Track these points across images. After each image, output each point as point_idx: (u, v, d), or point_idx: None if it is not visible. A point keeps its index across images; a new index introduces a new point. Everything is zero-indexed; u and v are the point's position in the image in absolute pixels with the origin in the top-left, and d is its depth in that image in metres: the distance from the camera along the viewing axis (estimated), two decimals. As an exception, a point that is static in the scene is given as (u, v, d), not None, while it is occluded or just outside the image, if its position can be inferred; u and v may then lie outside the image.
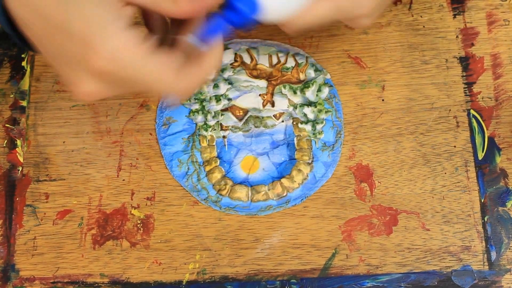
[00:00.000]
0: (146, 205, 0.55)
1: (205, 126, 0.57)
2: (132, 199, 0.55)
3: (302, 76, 0.58)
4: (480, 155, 0.56)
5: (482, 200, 0.54)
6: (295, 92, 0.58)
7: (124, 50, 0.40)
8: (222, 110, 0.57)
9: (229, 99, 0.58)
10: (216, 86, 0.58)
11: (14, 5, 0.41)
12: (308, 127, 0.57)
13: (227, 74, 0.58)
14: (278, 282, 0.53)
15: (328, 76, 0.58)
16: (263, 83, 0.58)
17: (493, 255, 0.53)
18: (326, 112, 0.57)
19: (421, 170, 0.55)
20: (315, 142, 0.56)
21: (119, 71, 0.40)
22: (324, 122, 0.57)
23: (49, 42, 0.41)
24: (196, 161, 0.56)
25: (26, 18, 0.41)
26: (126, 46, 0.40)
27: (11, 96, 0.59)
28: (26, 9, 0.41)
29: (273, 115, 0.57)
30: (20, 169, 0.57)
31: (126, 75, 0.40)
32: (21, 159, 0.57)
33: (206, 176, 0.56)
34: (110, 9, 0.40)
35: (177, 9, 0.41)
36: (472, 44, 0.59)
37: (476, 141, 0.56)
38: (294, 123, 0.57)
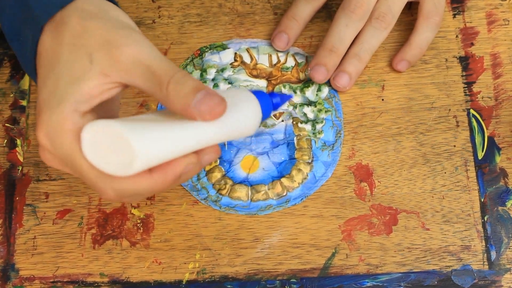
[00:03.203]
0: (146, 204, 0.55)
1: (205, 125, 0.57)
2: (132, 199, 0.55)
3: (302, 76, 0.59)
4: (480, 155, 0.56)
5: (482, 200, 0.54)
6: (295, 92, 0.58)
7: (61, 131, 0.39)
8: (222, 110, 0.57)
9: (229, 99, 0.58)
10: (216, 85, 0.58)
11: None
12: (308, 127, 0.57)
13: (227, 74, 0.59)
14: (278, 281, 0.53)
15: (328, 76, 0.58)
16: (263, 82, 0.58)
17: (493, 254, 0.53)
18: (326, 111, 0.57)
19: (421, 169, 0.55)
20: (315, 142, 0.56)
21: (55, 151, 0.40)
22: (324, 121, 0.57)
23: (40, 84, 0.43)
24: (196, 161, 0.56)
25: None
26: (64, 126, 0.39)
27: (11, 95, 0.59)
28: (38, 60, 0.43)
29: (273, 115, 0.57)
30: (20, 168, 0.57)
31: (62, 158, 0.40)
32: (21, 159, 0.57)
33: (206, 175, 0.56)
34: (78, 86, 0.40)
35: (198, 114, 0.39)
36: (472, 44, 0.59)
37: (476, 140, 0.56)
38: (294, 122, 0.57)
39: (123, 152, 0.37)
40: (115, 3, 0.45)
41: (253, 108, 0.44)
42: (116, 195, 0.40)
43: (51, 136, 0.40)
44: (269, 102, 0.45)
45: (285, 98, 0.47)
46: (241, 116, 0.43)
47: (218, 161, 0.56)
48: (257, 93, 0.45)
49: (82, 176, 0.40)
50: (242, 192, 0.55)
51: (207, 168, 0.56)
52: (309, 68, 0.57)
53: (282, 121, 0.57)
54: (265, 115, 0.45)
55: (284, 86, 0.58)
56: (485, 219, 0.54)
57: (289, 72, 0.59)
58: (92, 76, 0.40)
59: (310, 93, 0.58)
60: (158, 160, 0.39)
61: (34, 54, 0.43)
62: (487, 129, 0.56)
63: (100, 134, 0.38)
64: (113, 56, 0.40)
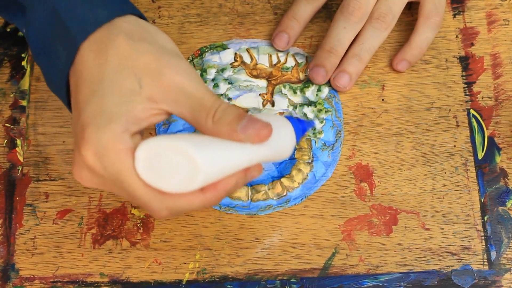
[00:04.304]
0: (146, 204, 0.55)
1: (205, 125, 0.57)
2: (132, 199, 0.55)
3: (302, 76, 0.59)
4: (480, 155, 0.56)
5: (482, 200, 0.54)
6: (295, 92, 0.58)
7: (112, 150, 0.39)
8: (222, 110, 0.57)
9: (229, 99, 0.58)
10: (216, 85, 0.58)
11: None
12: (308, 127, 0.57)
13: (227, 74, 0.59)
14: (278, 281, 0.53)
15: (328, 76, 0.58)
16: (263, 82, 0.58)
17: (493, 254, 0.53)
18: (326, 111, 0.57)
19: (421, 169, 0.55)
20: (315, 142, 0.56)
21: (103, 170, 0.40)
22: (324, 121, 0.57)
23: (74, 111, 0.42)
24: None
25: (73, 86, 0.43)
26: (116, 145, 0.39)
27: (11, 95, 0.59)
28: (73, 78, 0.42)
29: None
30: (20, 168, 0.57)
31: (111, 178, 0.40)
32: (21, 159, 0.57)
33: (206, 175, 0.56)
34: (127, 107, 0.40)
35: (244, 137, 0.40)
36: (472, 44, 0.59)
37: (476, 140, 0.56)
38: (294, 122, 0.57)
39: (184, 168, 0.38)
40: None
41: (290, 133, 0.46)
42: (168, 214, 0.41)
43: (101, 155, 0.39)
44: (299, 127, 0.48)
45: (310, 124, 0.50)
46: (281, 140, 0.45)
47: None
48: (290, 119, 0.47)
49: (134, 196, 0.40)
50: (242, 192, 0.55)
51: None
52: (308, 69, 0.57)
53: (282, 121, 0.57)
54: (297, 139, 0.47)
55: (284, 86, 0.58)
56: (485, 219, 0.54)
57: (289, 72, 0.59)
58: (141, 100, 0.40)
59: (310, 93, 0.58)
60: (217, 176, 0.40)
61: (67, 71, 0.43)
62: (487, 129, 0.56)
63: (157, 151, 0.39)
64: (162, 84, 0.40)
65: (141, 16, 0.45)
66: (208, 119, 0.40)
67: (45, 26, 0.44)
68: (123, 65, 0.41)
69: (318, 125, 0.56)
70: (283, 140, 0.45)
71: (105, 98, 0.40)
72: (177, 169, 0.38)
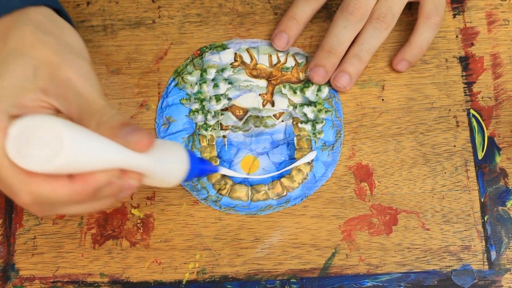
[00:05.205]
0: (146, 204, 0.55)
1: (205, 125, 0.57)
2: (132, 199, 0.55)
3: (302, 76, 0.59)
4: (480, 155, 0.56)
5: (482, 200, 0.54)
6: (295, 92, 0.58)
7: None
8: (222, 110, 0.57)
9: (229, 99, 0.58)
10: (216, 85, 0.58)
11: None
12: (308, 127, 0.57)
13: (227, 74, 0.59)
14: (278, 281, 0.53)
15: (328, 76, 0.58)
16: (263, 82, 0.58)
17: (493, 254, 0.53)
18: (326, 111, 0.57)
19: (421, 169, 0.55)
20: (315, 142, 0.56)
21: None
22: (324, 121, 0.57)
23: None
24: (196, 161, 0.56)
25: None
26: None
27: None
28: None
29: (273, 115, 0.57)
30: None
31: None
32: (21, 159, 0.57)
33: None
34: (16, 92, 0.40)
35: (133, 145, 0.40)
36: (472, 44, 0.59)
37: (476, 140, 0.56)
38: (294, 122, 0.57)
39: (51, 145, 0.37)
40: (69, 20, 0.46)
41: (182, 161, 0.46)
42: (32, 200, 0.39)
43: None
44: (199, 165, 0.48)
45: (213, 169, 0.50)
46: (169, 162, 0.44)
47: (218, 161, 0.56)
48: (191, 154, 0.47)
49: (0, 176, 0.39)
50: (242, 192, 0.55)
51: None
52: (308, 69, 0.57)
53: (282, 121, 0.57)
54: (190, 175, 0.47)
55: (284, 86, 0.58)
56: (485, 219, 0.54)
57: (289, 72, 0.59)
58: (33, 89, 0.40)
59: (310, 93, 0.58)
60: (86, 164, 0.39)
61: None
62: (487, 129, 0.56)
63: (29, 129, 0.38)
64: (57, 79, 0.41)
65: (58, 9, 0.45)
66: (92, 121, 0.40)
67: None
68: (24, 53, 0.41)
69: (318, 125, 0.57)
70: (171, 163, 0.45)
71: None
72: (44, 147, 0.37)
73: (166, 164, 0.44)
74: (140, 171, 0.42)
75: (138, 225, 0.55)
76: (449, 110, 0.57)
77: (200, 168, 0.48)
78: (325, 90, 0.57)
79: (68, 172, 0.39)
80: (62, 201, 0.39)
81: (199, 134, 0.57)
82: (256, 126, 0.57)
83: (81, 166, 0.39)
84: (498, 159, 0.56)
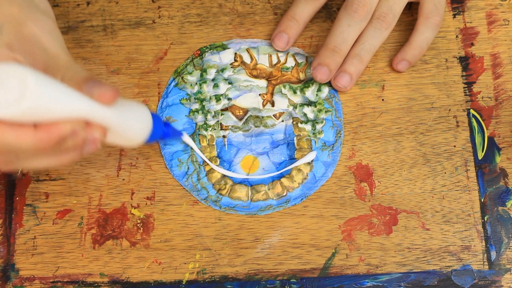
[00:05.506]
0: (146, 204, 0.55)
1: (205, 125, 0.57)
2: (132, 199, 0.55)
3: (302, 76, 0.59)
4: (480, 155, 0.56)
5: (482, 200, 0.54)
6: (295, 92, 0.58)
7: None
8: (222, 110, 0.57)
9: (229, 99, 0.58)
10: (216, 85, 0.58)
11: None
12: (308, 127, 0.57)
13: (227, 74, 0.58)
14: (278, 281, 0.53)
15: (328, 76, 0.58)
16: (263, 82, 0.58)
17: (493, 254, 0.53)
18: (326, 111, 0.57)
19: (421, 169, 0.55)
20: (315, 142, 0.56)
21: None
22: (324, 121, 0.57)
23: None
24: (196, 161, 0.56)
25: None
26: None
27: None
28: None
29: (273, 115, 0.57)
30: (20, 168, 0.57)
31: None
32: (21, 159, 0.57)
33: (206, 175, 0.56)
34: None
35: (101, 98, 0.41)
36: (472, 44, 0.59)
37: (476, 140, 0.56)
38: (294, 122, 0.57)
39: (16, 89, 0.37)
40: None
41: (145, 120, 0.47)
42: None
43: None
44: (161, 125, 0.49)
45: (176, 134, 0.52)
46: (132, 119, 0.45)
47: (218, 161, 0.56)
48: (154, 115, 0.48)
49: None
50: (242, 192, 0.55)
51: (207, 168, 0.56)
52: (311, 68, 0.57)
53: (282, 121, 0.57)
54: (153, 136, 0.48)
55: (284, 86, 0.58)
56: (485, 219, 0.54)
57: (289, 72, 0.59)
58: None
59: (310, 93, 0.58)
60: (48, 109, 0.38)
61: None
62: (487, 129, 0.56)
63: None
64: (22, 34, 0.42)
65: None
66: (57, 76, 0.41)
67: None
68: None
69: (318, 125, 0.57)
70: (134, 120, 0.45)
71: None
72: (10, 92, 0.37)
73: (130, 120, 0.45)
74: (104, 124, 0.42)
75: (138, 225, 0.55)
76: (449, 110, 0.57)
77: (163, 130, 0.49)
78: (325, 90, 0.57)
79: (33, 120, 0.39)
80: (26, 149, 0.39)
81: (199, 134, 0.57)
82: (256, 126, 0.57)
83: (46, 114, 0.39)
84: (498, 159, 0.56)
